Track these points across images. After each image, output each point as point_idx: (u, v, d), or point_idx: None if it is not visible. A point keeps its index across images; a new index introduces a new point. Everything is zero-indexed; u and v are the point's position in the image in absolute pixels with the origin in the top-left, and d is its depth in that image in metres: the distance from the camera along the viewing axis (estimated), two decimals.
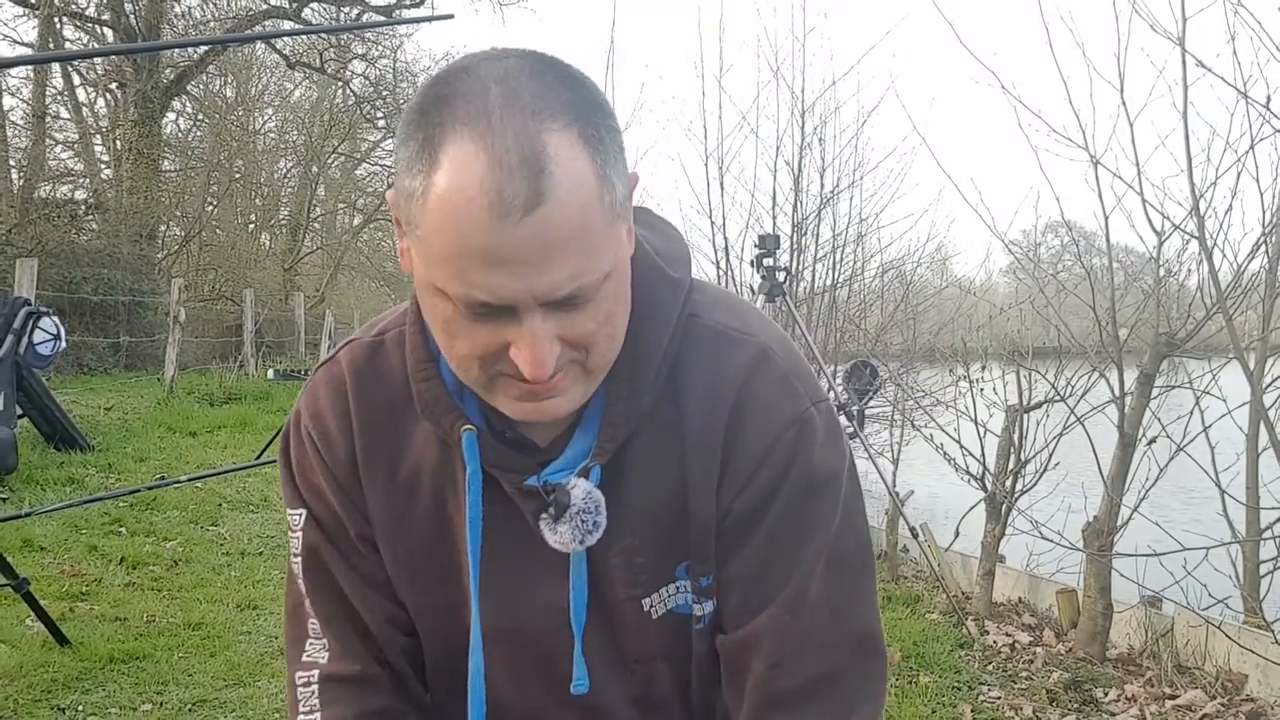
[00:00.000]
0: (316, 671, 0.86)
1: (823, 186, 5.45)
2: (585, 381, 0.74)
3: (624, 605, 0.82)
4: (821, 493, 0.80)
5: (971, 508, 4.00)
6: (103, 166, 16.09)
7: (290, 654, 0.89)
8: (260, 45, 17.21)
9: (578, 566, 0.80)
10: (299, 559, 0.87)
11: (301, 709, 0.86)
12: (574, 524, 0.77)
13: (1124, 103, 3.22)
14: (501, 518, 0.81)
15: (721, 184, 5.54)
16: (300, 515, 0.87)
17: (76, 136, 16.11)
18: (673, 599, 0.83)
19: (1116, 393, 3.40)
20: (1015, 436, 3.87)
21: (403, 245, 0.74)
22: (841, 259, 5.54)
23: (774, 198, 5.43)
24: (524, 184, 0.64)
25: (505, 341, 0.70)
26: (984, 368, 4.24)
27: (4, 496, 4.76)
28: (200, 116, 18.12)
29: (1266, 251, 3.17)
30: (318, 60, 18.09)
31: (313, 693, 0.86)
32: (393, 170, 0.72)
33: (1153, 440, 3.33)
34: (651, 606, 0.82)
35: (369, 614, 0.86)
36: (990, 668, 3.26)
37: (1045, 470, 3.78)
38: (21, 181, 12.75)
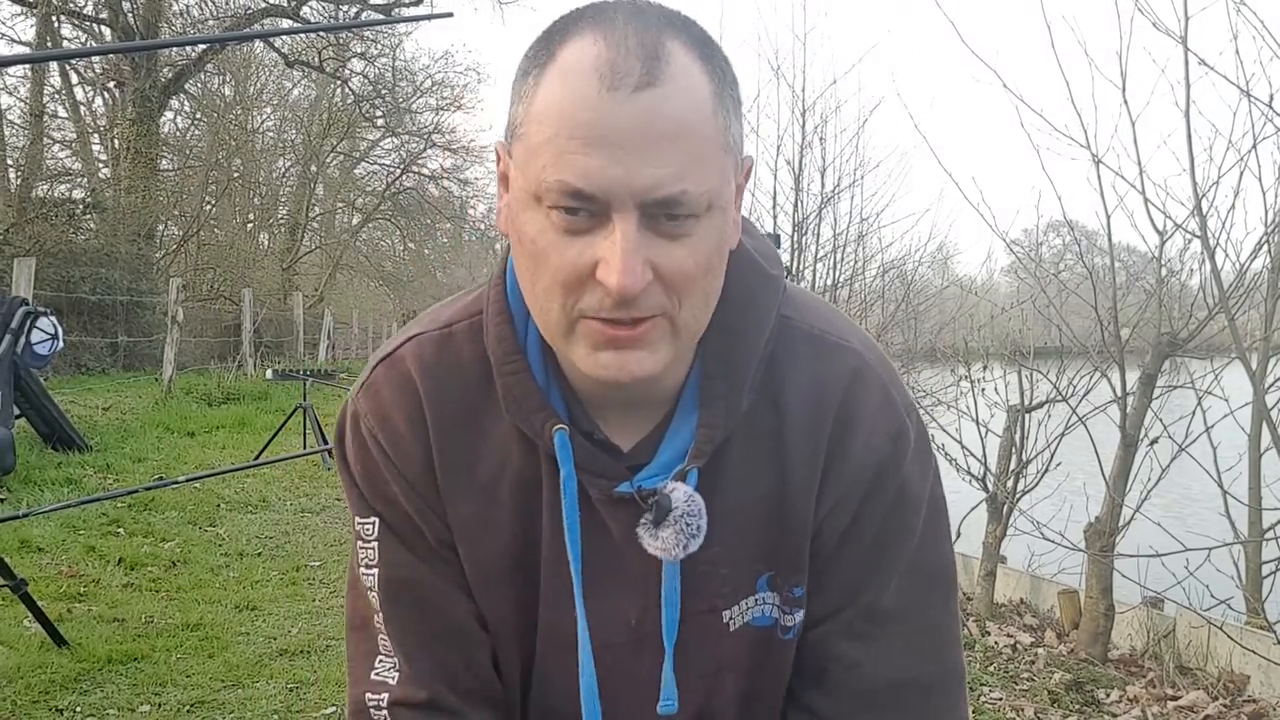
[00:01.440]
0: (386, 695, 0.82)
1: (823, 186, 5.43)
2: (672, 341, 0.69)
3: (703, 617, 0.79)
4: (911, 504, 0.80)
5: (973, 508, 3.98)
6: (100, 166, 16.07)
7: (357, 668, 0.84)
8: (258, 44, 17.19)
9: (671, 576, 0.77)
10: (374, 571, 0.81)
11: None
12: (678, 528, 0.73)
13: (1126, 101, 3.21)
14: (585, 531, 0.77)
15: None
16: (373, 524, 0.81)
17: (74, 135, 16.08)
18: (750, 611, 0.80)
19: (1118, 393, 3.39)
20: (1017, 437, 3.86)
21: (502, 203, 0.72)
22: (842, 259, 5.52)
23: (774, 197, 5.41)
24: (638, 64, 0.64)
25: (594, 261, 0.65)
26: (985, 368, 4.23)
27: (2, 497, 4.75)
28: (198, 115, 18.11)
29: (1269, 251, 3.16)
30: (316, 59, 18.07)
31: (385, 716, 0.82)
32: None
33: (1155, 440, 3.32)
34: (730, 619, 0.80)
35: (461, 617, 0.81)
36: (991, 669, 3.25)
37: (1047, 471, 3.77)
38: (19, 181, 12.73)
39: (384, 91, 20.59)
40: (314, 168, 21.98)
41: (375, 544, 0.81)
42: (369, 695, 0.82)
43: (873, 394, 0.78)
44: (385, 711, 0.81)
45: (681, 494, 0.73)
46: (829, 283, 5.38)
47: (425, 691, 0.81)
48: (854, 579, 0.80)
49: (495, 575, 0.80)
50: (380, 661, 0.83)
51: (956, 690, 0.82)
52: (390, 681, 0.82)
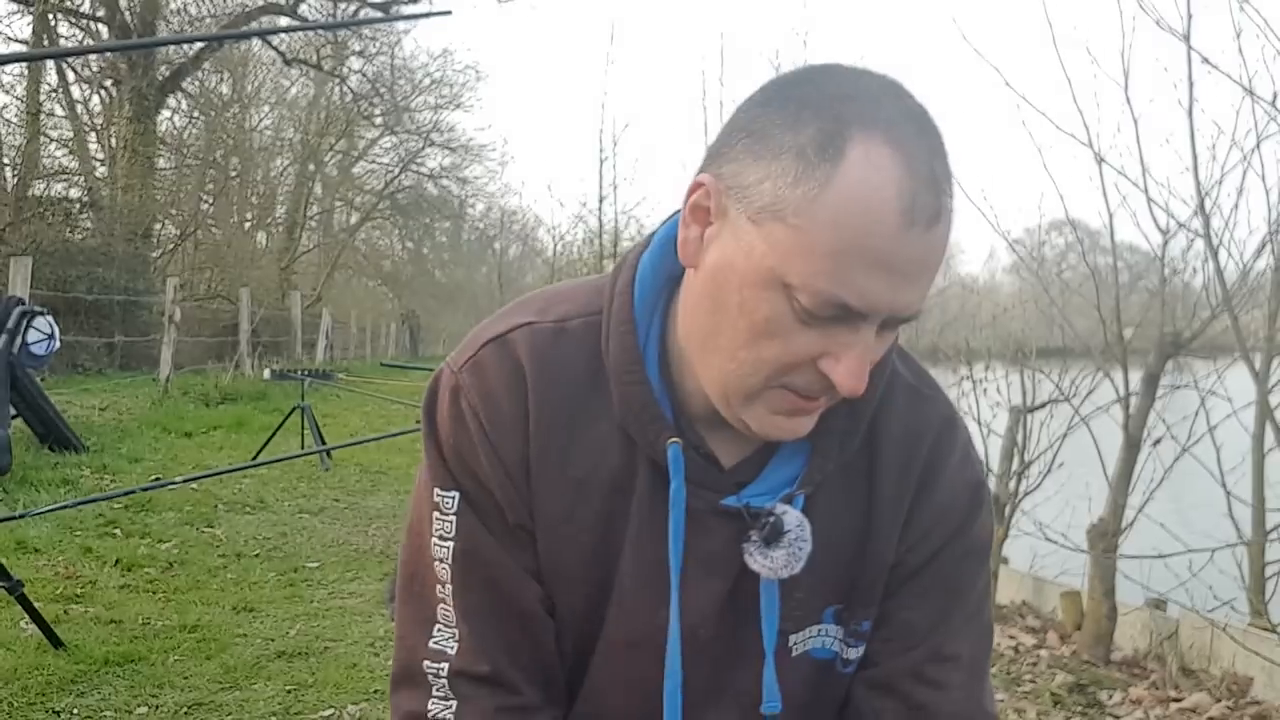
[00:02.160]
0: (446, 665, 0.82)
1: None
2: (826, 406, 0.75)
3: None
4: (977, 558, 0.85)
5: None
6: (97, 164, 16.02)
7: (411, 633, 0.84)
8: (256, 42, 17.15)
9: (769, 590, 0.79)
10: (449, 544, 0.82)
11: (435, 693, 0.82)
12: (790, 550, 0.76)
13: (1129, 100, 3.20)
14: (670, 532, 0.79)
15: None
16: (454, 497, 0.82)
17: (71, 134, 16.03)
18: (811, 641, 0.82)
19: (1121, 393, 3.39)
20: (1019, 437, 3.85)
21: (690, 234, 0.73)
22: None
23: None
24: (932, 199, 0.66)
25: (821, 351, 0.69)
26: (987, 368, 4.22)
27: None
28: (196, 114, 18.06)
29: (1272, 250, 3.16)
30: (314, 57, 18.06)
31: (445, 684, 0.82)
32: (715, 162, 0.70)
33: (1158, 441, 3.32)
34: (793, 644, 0.82)
35: (529, 601, 0.82)
36: (993, 671, 3.24)
37: (1049, 471, 3.76)
38: (15, 179, 12.70)
39: (382, 90, 20.58)
40: (312, 166, 21.95)
41: (454, 517, 0.82)
42: (427, 663, 0.82)
43: (958, 446, 0.83)
44: (445, 680, 0.81)
45: (793, 517, 0.77)
46: None
47: (487, 664, 0.81)
48: (926, 622, 0.83)
49: (569, 571, 0.81)
50: (439, 630, 0.83)
51: None
52: (449, 651, 0.82)
